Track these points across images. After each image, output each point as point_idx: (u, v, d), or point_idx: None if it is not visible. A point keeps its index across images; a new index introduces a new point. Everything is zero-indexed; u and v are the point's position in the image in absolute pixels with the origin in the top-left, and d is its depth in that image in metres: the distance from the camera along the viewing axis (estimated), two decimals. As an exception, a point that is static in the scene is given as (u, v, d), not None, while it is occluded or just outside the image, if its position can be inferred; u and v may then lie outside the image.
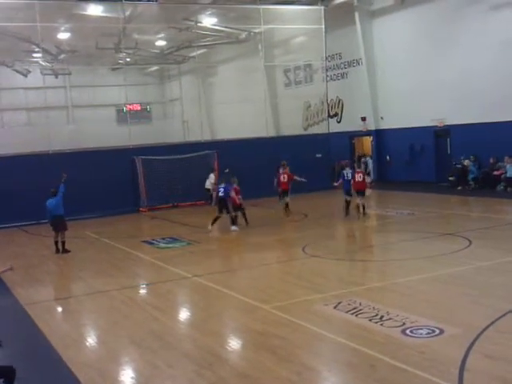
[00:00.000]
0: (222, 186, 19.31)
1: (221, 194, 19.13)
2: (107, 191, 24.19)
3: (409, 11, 28.52)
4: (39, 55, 32.51)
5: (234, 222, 19.33)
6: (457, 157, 26.49)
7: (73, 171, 23.05)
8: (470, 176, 25.60)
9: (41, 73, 33.41)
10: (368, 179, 21.75)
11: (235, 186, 19.58)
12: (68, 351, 8.99)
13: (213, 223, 19.11)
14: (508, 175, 23.75)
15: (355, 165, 24.44)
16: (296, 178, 21.57)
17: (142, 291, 13.21)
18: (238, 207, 19.56)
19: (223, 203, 19.09)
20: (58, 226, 16.94)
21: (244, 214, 19.75)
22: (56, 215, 16.79)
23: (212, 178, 23.96)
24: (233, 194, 19.14)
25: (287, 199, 21.33)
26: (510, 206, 21.46)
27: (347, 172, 20.38)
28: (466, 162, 25.84)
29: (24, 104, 40.77)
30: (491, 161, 24.98)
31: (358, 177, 20.05)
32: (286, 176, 21.39)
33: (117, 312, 11.11)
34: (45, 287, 13.91)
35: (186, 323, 10.75)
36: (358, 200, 19.96)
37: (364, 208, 19.98)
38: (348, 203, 20.25)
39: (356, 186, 19.95)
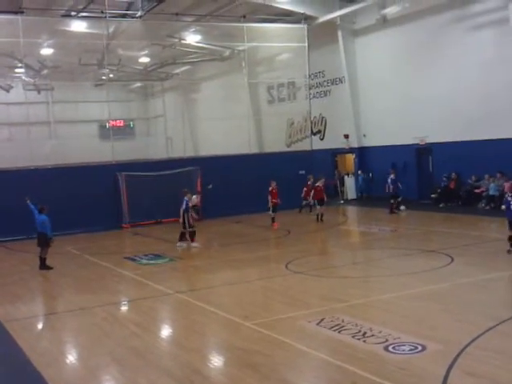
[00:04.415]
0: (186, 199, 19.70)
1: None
2: (89, 207, 24.00)
3: (391, 30, 28.82)
4: (22, 71, 32.32)
5: (182, 237, 19.60)
6: (439, 174, 26.69)
7: (55, 187, 23.09)
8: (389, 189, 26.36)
9: (23, 88, 33.27)
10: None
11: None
12: (48, 369, 8.87)
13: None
14: (490, 193, 23.91)
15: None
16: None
17: (124, 308, 13.11)
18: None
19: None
20: (40, 242, 16.91)
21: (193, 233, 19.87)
22: (39, 232, 16.88)
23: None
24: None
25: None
26: (492, 223, 21.59)
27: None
28: (392, 171, 26.42)
29: (6, 119, 40.38)
30: (473, 178, 25.18)
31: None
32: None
33: (98, 329, 10.99)
34: (25, 304, 13.71)
35: (167, 340, 10.67)
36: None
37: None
38: None
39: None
